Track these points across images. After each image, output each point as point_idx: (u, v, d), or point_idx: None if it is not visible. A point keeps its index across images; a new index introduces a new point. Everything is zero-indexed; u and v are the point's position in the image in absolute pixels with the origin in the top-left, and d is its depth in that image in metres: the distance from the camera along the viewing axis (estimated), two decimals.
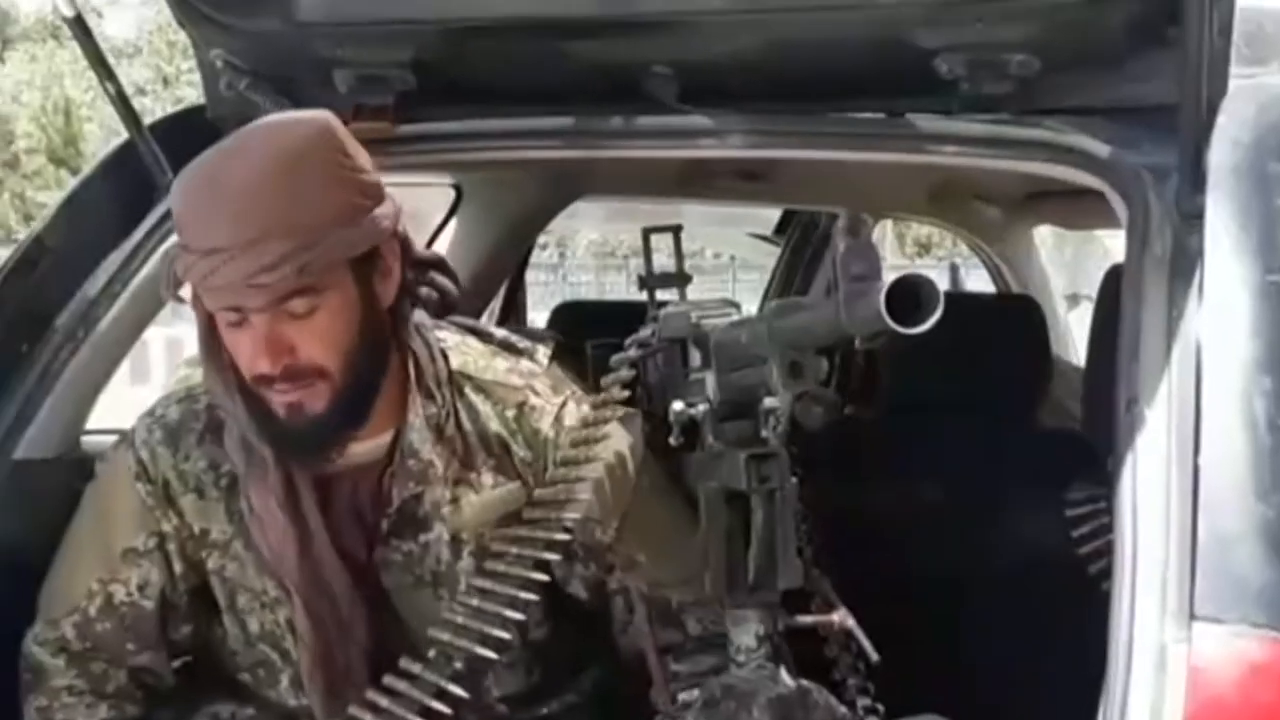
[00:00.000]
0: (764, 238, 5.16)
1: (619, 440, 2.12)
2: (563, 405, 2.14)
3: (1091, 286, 2.89)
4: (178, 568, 2.16)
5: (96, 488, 2.20)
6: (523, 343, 2.22)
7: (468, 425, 2.12)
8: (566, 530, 2.07)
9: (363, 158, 2.01)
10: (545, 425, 2.13)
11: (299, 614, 2.09)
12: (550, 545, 2.06)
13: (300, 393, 1.98)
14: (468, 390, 2.13)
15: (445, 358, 2.14)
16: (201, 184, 1.94)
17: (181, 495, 2.14)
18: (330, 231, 1.93)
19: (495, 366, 2.17)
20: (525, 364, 2.19)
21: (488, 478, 2.12)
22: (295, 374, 1.97)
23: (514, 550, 2.07)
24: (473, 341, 2.20)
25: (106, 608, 2.15)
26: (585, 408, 2.12)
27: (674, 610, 2.13)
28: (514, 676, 2.20)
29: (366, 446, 2.10)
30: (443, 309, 2.23)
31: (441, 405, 2.10)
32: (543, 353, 2.21)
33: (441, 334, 2.18)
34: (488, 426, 2.13)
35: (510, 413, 2.13)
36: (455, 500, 2.12)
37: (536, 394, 2.14)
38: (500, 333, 2.24)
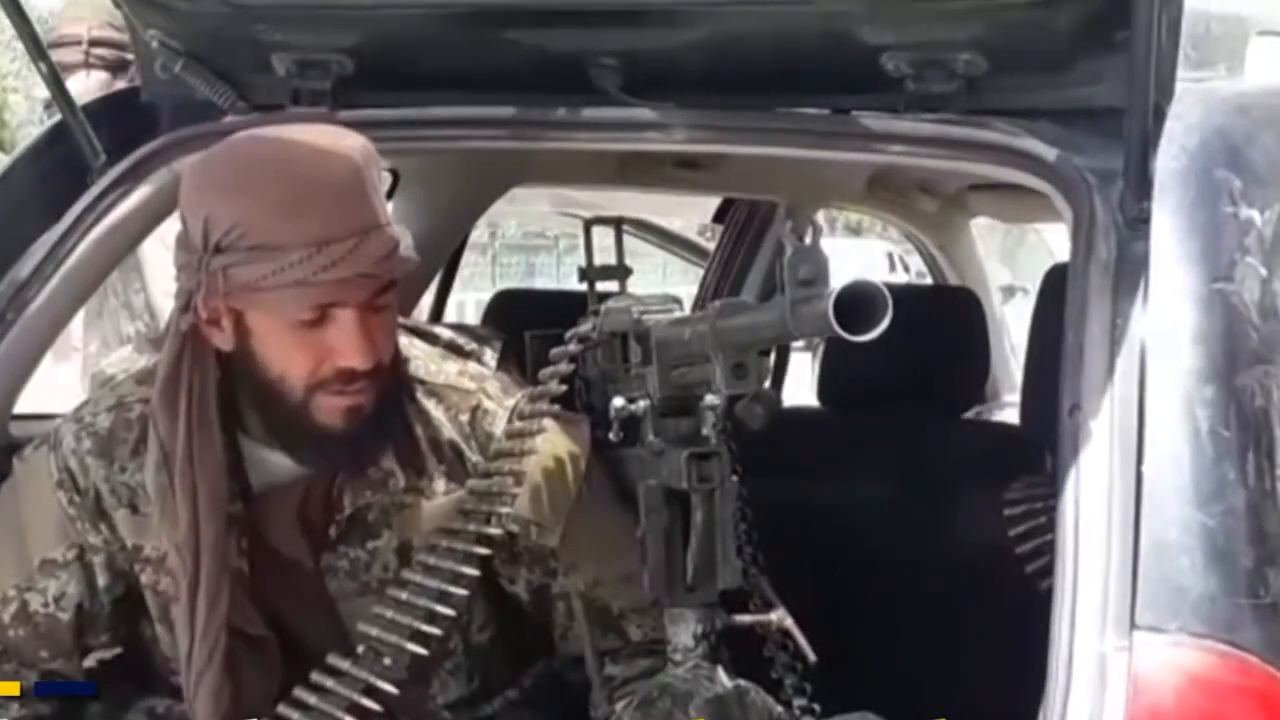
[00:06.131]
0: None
1: (565, 443, 2.08)
2: (514, 408, 2.10)
3: (1026, 279, 2.89)
4: (101, 580, 2.09)
5: (13, 491, 2.13)
6: (469, 344, 2.18)
7: (419, 431, 2.08)
8: (498, 522, 2.03)
9: None
10: (498, 429, 2.09)
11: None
12: (481, 539, 2.03)
13: (363, 396, 1.98)
14: (419, 395, 2.09)
15: None
16: (292, 178, 1.91)
17: (115, 509, 2.07)
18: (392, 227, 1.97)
19: (446, 370, 2.12)
20: (474, 366, 2.15)
21: (440, 484, 2.08)
22: (375, 370, 1.97)
23: (444, 543, 2.03)
24: (419, 343, 2.15)
25: (21, 615, 2.09)
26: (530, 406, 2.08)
27: (614, 616, 2.10)
28: (457, 683, 2.17)
29: None
30: None
31: (394, 411, 2.07)
32: (490, 354, 2.17)
33: None
34: (440, 433, 2.08)
35: (464, 417, 2.09)
36: (406, 507, 2.08)
37: (489, 397, 2.11)
38: (446, 333, 2.19)
